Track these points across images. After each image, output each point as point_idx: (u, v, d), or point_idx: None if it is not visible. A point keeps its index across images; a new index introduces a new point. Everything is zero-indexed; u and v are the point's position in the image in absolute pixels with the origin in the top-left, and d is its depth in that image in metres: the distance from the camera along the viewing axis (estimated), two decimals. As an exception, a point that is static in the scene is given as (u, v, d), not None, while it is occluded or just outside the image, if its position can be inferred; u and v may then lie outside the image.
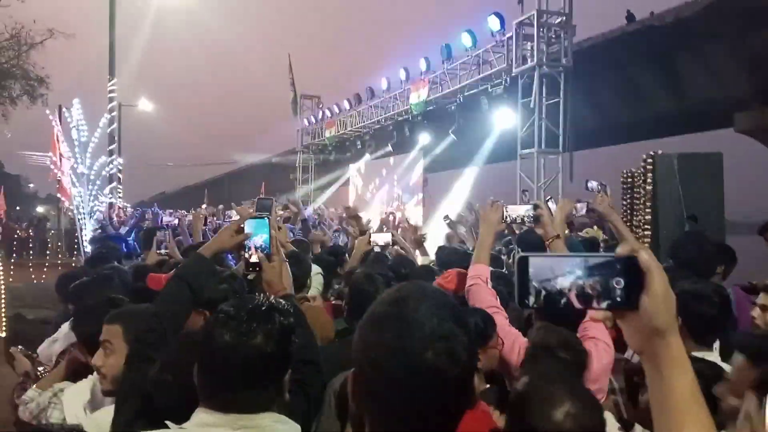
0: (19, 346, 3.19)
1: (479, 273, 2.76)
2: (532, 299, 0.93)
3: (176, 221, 7.38)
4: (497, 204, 3.14)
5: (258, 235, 2.20)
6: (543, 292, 0.92)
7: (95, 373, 2.40)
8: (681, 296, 2.40)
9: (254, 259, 2.21)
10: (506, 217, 3.11)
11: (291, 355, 1.62)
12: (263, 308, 1.57)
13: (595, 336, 2.42)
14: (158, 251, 4.81)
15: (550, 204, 4.53)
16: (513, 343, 2.44)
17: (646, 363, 0.96)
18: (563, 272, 0.92)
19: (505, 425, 1.59)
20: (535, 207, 3.05)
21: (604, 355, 2.35)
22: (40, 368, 3.10)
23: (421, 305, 1.09)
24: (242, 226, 2.21)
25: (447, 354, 1.05)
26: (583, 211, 4.17)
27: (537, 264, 0.93)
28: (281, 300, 1.73)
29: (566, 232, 4.84)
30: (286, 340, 1.57)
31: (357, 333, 1.14)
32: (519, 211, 3.13)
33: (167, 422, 1.51)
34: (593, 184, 4.78)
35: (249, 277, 2.39)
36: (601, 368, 2.33)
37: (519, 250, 4.12)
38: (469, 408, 1.14)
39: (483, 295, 2.66)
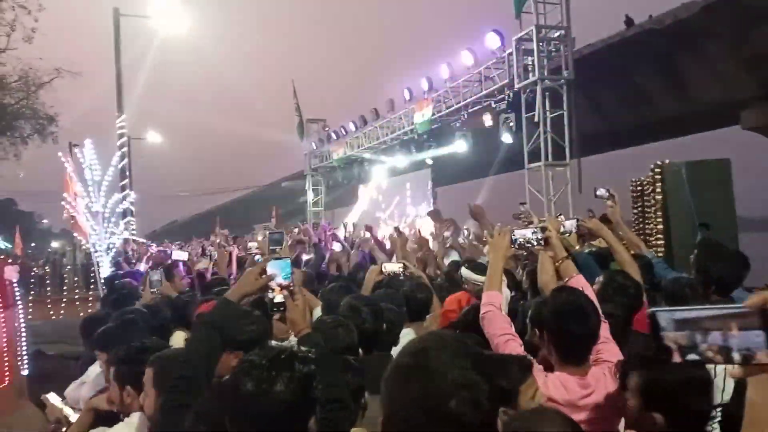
0: (51, 393, 3.25)
1: (492, 300, 2.76)
2: (674, 354, 0.91)
3: (186, 255, 7.46)
4: (505, 230, 3.13)
5: (281, 276, 2.27)
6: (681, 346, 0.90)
7: (130, 416, 2.48)
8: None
9: (279, 299, 2.26)
10: (515, 241, 3.11)
11: (314, 401, 1.66)
12: (283, 356, 1.62)
13: (609, 360, 2.42)
14: (152, 290, 4.91)
15: (560, 220, 4.57)
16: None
17: None
18: (698, 326, 0.89)
19: None
20: (543, 230, 3.09)
21: (611, 382, 2.32)
22: (71, 413, 3.15)
23: (442, 355, 1.15)
24: (265, 268, 2.26)
25: (471, 403, 1.10)
26: (573, 228, 4.16)
27: (666, 317, 0.91)
28: (302, 347, 1.78)
29: (577, 247, 4.87)
30: (308, 386, 1.61)
31: (383, 385, 1.20)
32: (526, 234, 3.15)
33: None
34: (602, 191, 4.75)
35: (275, 317, 2.43)
36: (610, 396, 2.30)
37: None
38: None
39: (497, 322, 2.69)
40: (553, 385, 2.29)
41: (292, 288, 2.26)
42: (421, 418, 1.11)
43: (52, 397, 3.29)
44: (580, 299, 2.47)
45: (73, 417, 3.07)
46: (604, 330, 2.50)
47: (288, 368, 1.59)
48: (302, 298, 2.29)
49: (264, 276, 2.25)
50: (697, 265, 3.86)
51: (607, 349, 2.46)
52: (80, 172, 12.19)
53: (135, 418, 2.45)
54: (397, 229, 6.96)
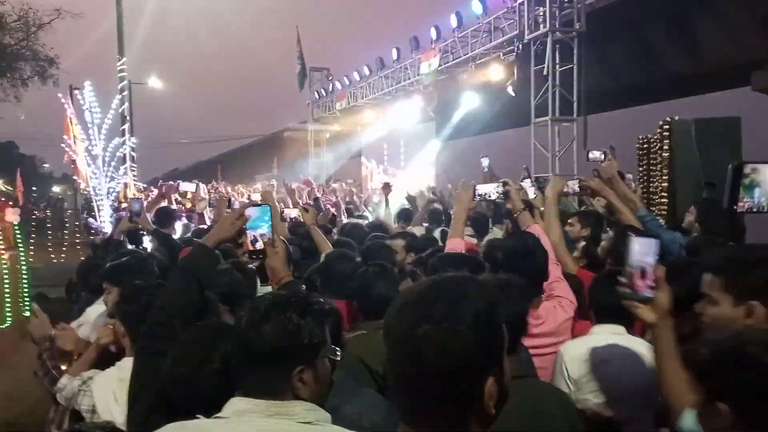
0: (62, 323, 3.13)
1: (454, 246, 3.21)
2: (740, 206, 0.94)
3: (194, 186, 8.16)
4: (469, 185, 3.57)
5: (260, 223, 2.19)
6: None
7: (122, 360, 2.45)
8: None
9: (259, 245, 2.19)
10: (477, 196, 3.50)
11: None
12: (293, 299, 1.56)
13: (560, 294, 2.72)
14: (131, 220, 5.35)
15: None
16: None
17: None
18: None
19: None
20: (504, 184, 3.45)
21: (560, 313, 2.64)
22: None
23: (430, 289, 1.08)
24: (243, 212, 2.16)
25: (435, 340, 1.01)
26: (575, 188, 4.25)
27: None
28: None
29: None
30: (319, 326, 1.54)
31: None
32: (488, 188, 3.53)
33: (198, 415, 1.52)
34: (595, 154, 4.83)
35: (253, 264, 2.36)
36: (558, 325, 2.62)
37: None
38: (471, 410, 1.05)
39: None
40: None
41: (271, 238, 2.18)
42: (391, 341, 1.08)
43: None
44: (528, 241, 2.78)
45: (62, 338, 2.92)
46: (557, 270, 2.84)
47: (305, 311, 1.53)
48: (282, 246, 2.23)
49: (240, 218, 2.15)
50: (702, 221, 3.94)
51: (560, 287, 2.77)
52: (80, 115, 12.07)
53: (127, 363, 2.41)
54: (387, 185, 7.14)
